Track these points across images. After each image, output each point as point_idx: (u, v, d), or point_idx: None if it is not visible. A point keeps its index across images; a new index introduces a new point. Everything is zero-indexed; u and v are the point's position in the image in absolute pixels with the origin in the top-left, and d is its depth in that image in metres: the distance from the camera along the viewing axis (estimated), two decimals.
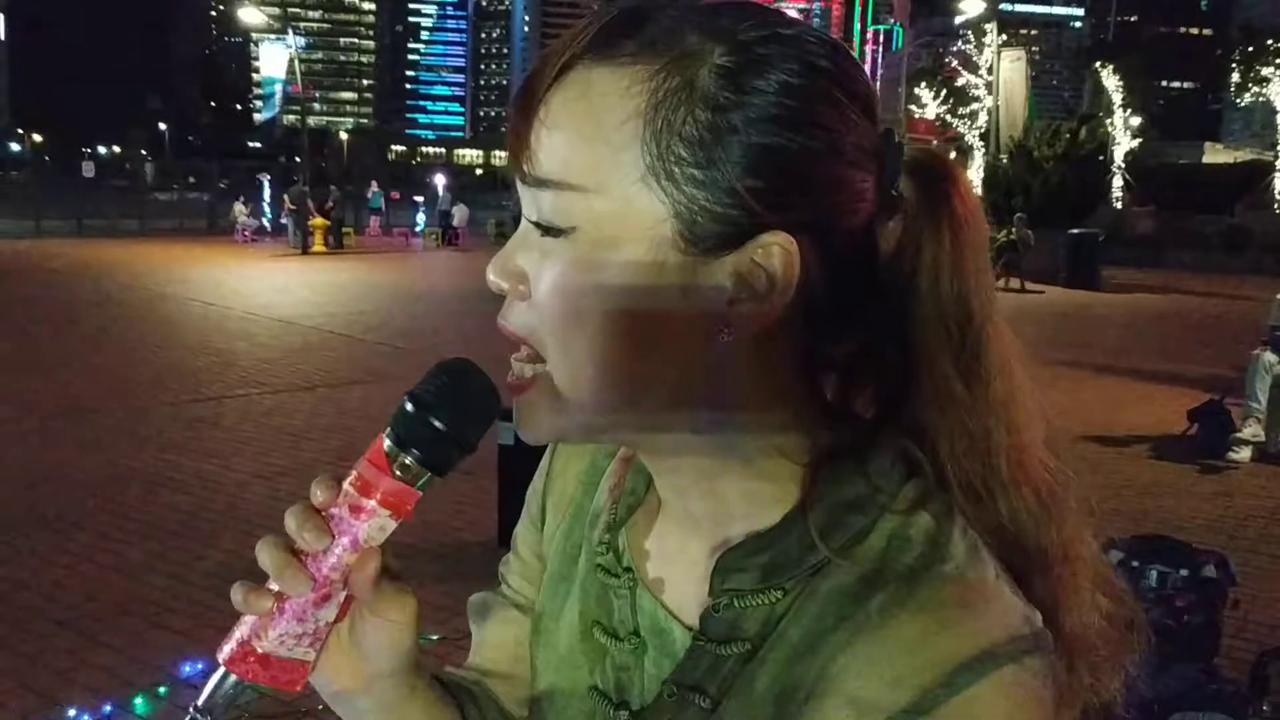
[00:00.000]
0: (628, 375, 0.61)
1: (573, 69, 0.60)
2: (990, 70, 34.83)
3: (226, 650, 0.63)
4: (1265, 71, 37.70)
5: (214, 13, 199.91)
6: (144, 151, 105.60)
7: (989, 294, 0.65)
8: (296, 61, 31.85)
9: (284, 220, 29.12)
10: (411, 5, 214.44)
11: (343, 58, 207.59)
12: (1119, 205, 36.41)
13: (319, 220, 26.33)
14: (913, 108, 42.34)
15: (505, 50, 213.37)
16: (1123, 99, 39.26)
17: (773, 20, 0.61)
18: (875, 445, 0.65)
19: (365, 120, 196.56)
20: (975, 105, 43.90)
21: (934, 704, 0.56)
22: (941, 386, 0.64)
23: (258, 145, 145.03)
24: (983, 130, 40.85)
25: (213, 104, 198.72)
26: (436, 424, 0.62)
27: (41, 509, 5.59)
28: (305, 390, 9.18)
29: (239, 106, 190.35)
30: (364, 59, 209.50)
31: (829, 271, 0.61)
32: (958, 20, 41.36)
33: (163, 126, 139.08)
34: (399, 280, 20.05)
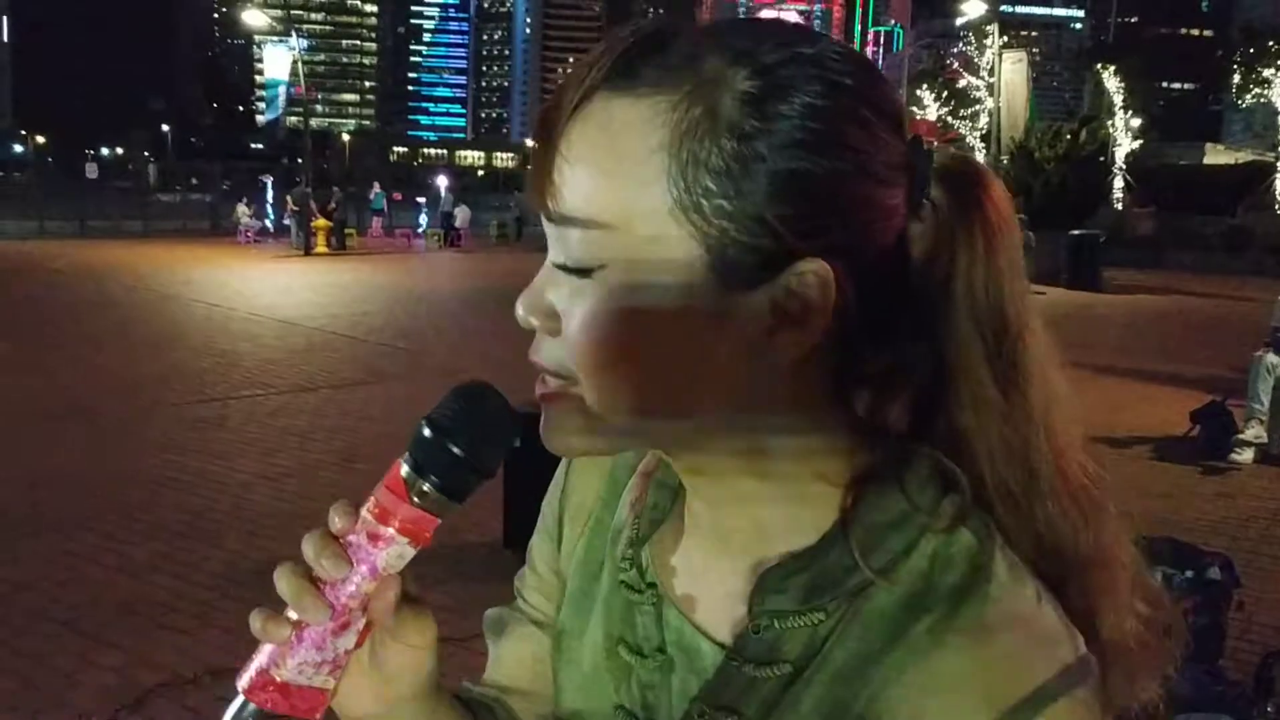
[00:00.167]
0: (663, 408, 0.61)
1: (592, 100, 0.59)
2: (991, 72, 34.87)
3: (245, 678, 0.63)
4: (1266, 73, 37.65)
5: (216, 15, 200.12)
6: (147, 153, 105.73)
7: (1025, 299, 0.64)
8: (300, 64, 31.92)
9: (287, 221, 29.19)
10: (413, 7, 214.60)
11: (345, 60, 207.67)
12: (1120, 206, 36.37)
13: (321, 221, 26.35)
14: (914, 109, 42.34)
15: (507, 52, 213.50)
16: (1123, 100, 39.26)
17: (793, 39, 0.59)
18: (909, 459, 0.64)
19: (367, 122, 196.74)
20: (976, 107, 43.95)
21: None
22: (979, 395, 0.63)
23: (260, 147, 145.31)
24: (984, 132, 40.90)
25: (215, 105, 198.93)
26: (454, 450, 0.61)
27: (45, 510, 5.60)
28: (309, 391, 9.19)
29: (241, 108, 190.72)
30: (366, 61, 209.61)
31: (864, 291, 0.60)
32: (958, 22, 41.43)
33: (165, 128, 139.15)
34: (401, 281, 20.07)
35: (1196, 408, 7.51)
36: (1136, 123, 39.49)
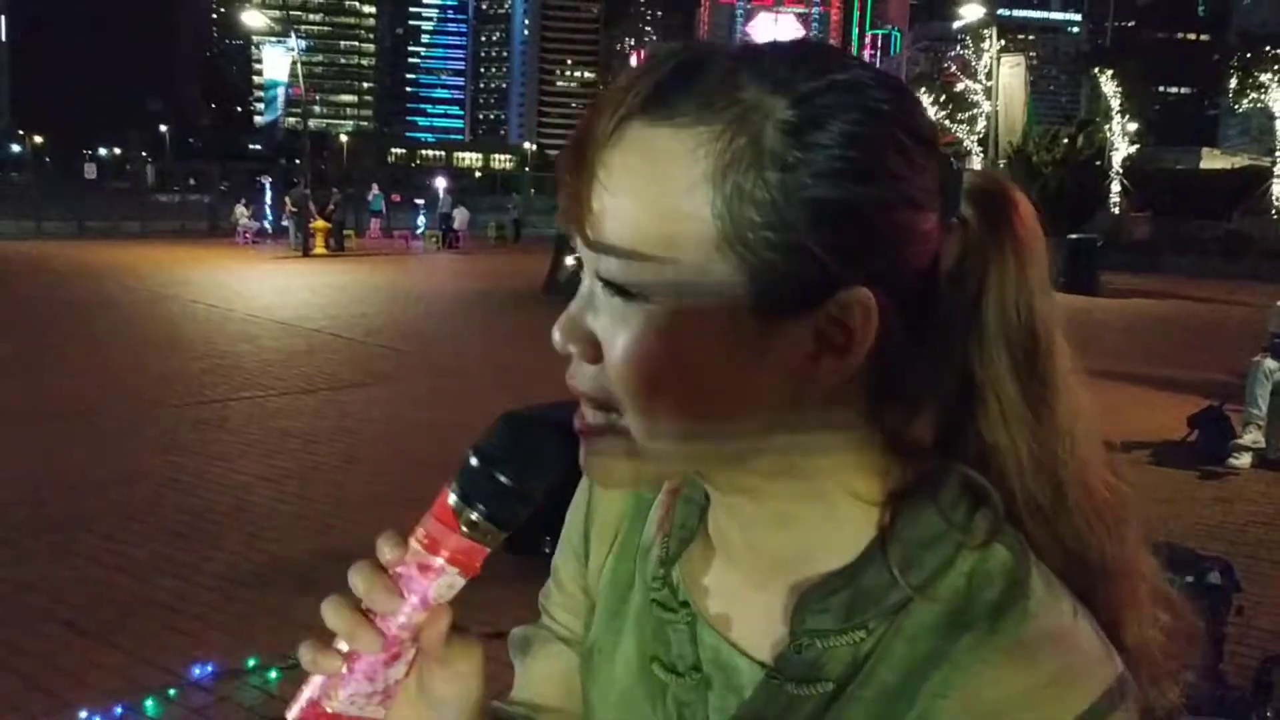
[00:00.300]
0: (707, 434, 0.62)
1: (627, 128, 0.59)
2: (989, 75, 34.91)
3: (295, 711, 0.63)
4: (1263, 78, 37.69)
5: (215, 15, 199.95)
6: (145, 153, 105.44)
7: (1052, 314, 0.65)
8: (298, 65, 31.93)
9: (285, 223, 29.20)
10: (412, 9, 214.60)
11: (343, 61, 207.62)
12: (1117, 211, 36.45)
13: (320, 223, 26.36)
14: None
15: (505, 54, 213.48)
16: (1120, 104, 39.31)
17: (828, 65, 0.60)
18: (940, 475, 0.65)
19: (365, 123, 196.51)
20: (973, 110, 43.99)
21: None
22: (1009, 411, 0.64)
23: (258, 147, 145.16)
24: (981, 135, 40.95)
25: (213, 106, 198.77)
26: (502, 479, 0.61)
27: (47, 510, 5.61)
28: (308, 393, 9.20)
29: (239, 108, 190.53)
30: (364, 62, 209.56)
31: (903, 315, 0.61)
32: (956, 25, 41.44)
33: (163, 128, 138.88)
34: (400, 283, 20.08)
35: (1194, 412, 7.53)
36: (1133, 127, 39.55)
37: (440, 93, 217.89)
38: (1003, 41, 39.01)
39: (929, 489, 0.64)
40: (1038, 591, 0.62)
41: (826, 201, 0.57)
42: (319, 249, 25.90)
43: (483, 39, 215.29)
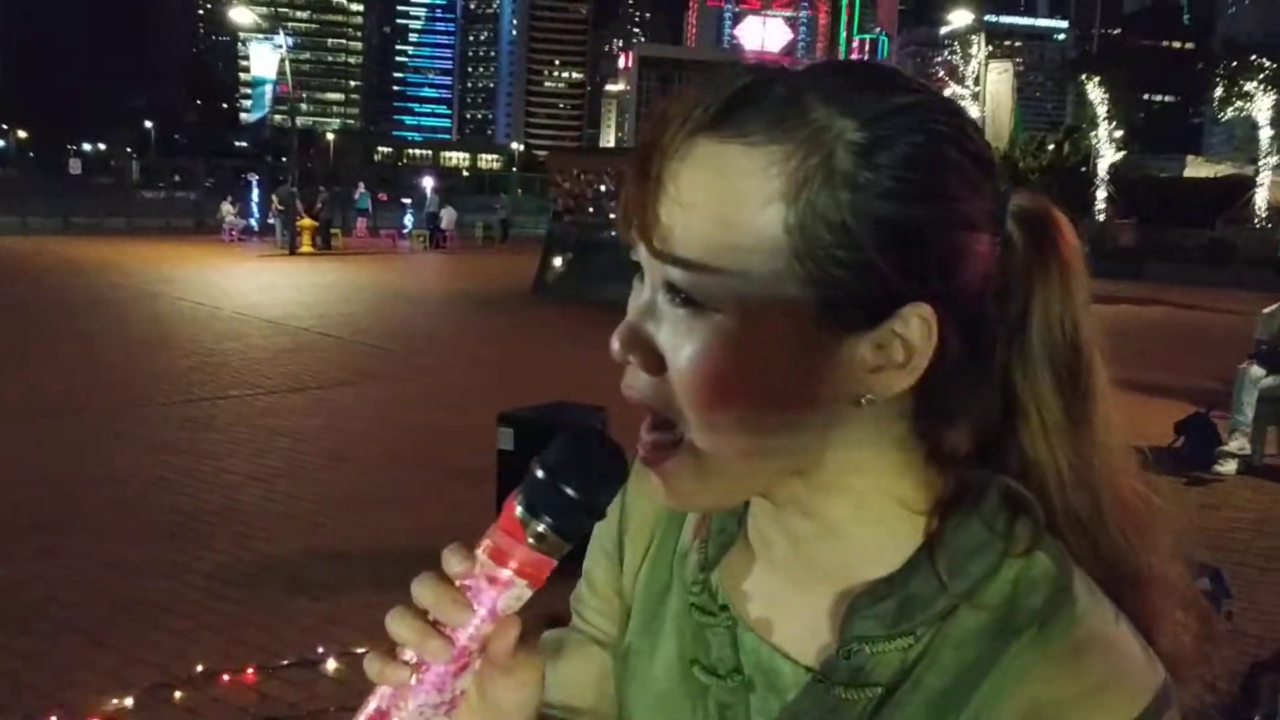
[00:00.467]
0: (772, 446, 0.63)
1: (695, 143, 0.60)
2: (976, 81, 35.03)
3: None
4: (1247, 86, 37.90)
5: (201, 11, 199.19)
6: (130, 149, 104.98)
7: (1094, 332, 0.68)
8: (286, 62, 31.83)
9: (271, 220, 29.08)
10: (400, 7, 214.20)
11: (330, 58, 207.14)
12: (1102, 217, 36.61)
13: (306, 221, 26.27)
14: None
15: (493, 53, 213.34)
16: (1106, 112, 39.47)
17: (891, 87, 0.62)
18: (982, 486, 0.66)
19: (352, 121, 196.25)
20: None
21: None
22: (1051, 425, 0.66)
23: (244, 144, 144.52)
24: None
25: (199, 102, 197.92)
26: (568, 491, 0.61)
27: (35, 509, 5.58)
28: (296, 391, 9.18)
29: (225, 105, 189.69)
30: (351, 60, 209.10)
31: (959, 332, 0.63)
32: (943, 31, 41.57)
33: (149, 124, 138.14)
34: (387, 282, 20.02)
35: (1181, 419, 7.58)
36: (1119, 134, 39.72)
37: (428, 92, 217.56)
38: (990, 48, 39.18)
39: (971, 499, 0.66)
40: (1082, 598, 0.64)
41: (894, 221, 0.59)
42: (305, 247, 25.82)
43: (470, 38, 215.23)
